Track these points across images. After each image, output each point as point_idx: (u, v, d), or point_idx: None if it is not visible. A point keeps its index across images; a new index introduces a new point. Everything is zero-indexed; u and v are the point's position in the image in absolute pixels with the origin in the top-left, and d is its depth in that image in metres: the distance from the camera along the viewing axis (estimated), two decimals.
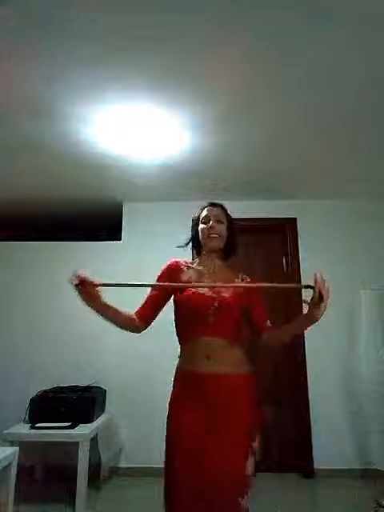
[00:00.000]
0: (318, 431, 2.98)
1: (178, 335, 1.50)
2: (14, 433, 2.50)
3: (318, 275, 1.21)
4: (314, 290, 1.21)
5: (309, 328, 1.32)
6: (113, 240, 3.42)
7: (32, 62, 1.72)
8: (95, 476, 2.77)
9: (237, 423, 1.31)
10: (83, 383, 2.96)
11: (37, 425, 2.57)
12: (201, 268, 1.52)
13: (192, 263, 1.57)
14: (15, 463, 2.00)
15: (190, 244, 1.64)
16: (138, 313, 1.48)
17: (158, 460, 2.90)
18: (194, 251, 1.66)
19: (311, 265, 3.26)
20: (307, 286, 1.25)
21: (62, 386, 2.94)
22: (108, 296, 1.36)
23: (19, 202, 3.44)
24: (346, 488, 2.69)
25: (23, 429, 2.55)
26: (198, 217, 1.59)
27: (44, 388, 2.88)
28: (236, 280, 1.51)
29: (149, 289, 1.52)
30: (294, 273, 3.27)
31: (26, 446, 2.39)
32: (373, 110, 2.10)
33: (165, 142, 2.42)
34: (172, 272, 1.51)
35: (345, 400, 3.03)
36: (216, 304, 1.39)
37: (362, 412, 2.98)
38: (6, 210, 3.57)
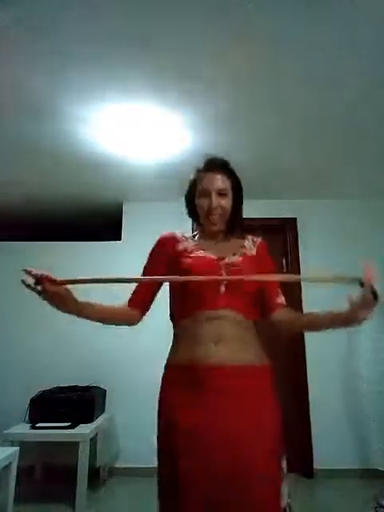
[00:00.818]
0: (318, 431, 2.98)
1: (173, 314, 1.20)
2: (14, 433, 2.49)
3: (370, 267, 0.91)
4: (363, 286, 0.93)
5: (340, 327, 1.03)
6: (113, 240, 3.42)
7: (32, 62, 1.72)
8: (95, 476, 2.77)
9: (264, 433, 0.99)
10: (83, 383, 2.96)
11: (37, 425, 2.56)
12: (201, 241, 1.25)
13: (193, 235, 1.30)
14: (15, 463, 2.00)
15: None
16: (132, 301, 1.19)
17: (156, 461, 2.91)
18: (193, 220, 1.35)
19: (311, 265, 3.26)
20: (355, 280, 0.96)
21: (61, 386, 2.93)
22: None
23: (19, 202, 3.44)
24: (346, 488, 2.69)
25: (23, 429, 2.55)
26: (195, 183, 1.26)
27: (44, 388, 2.88)
28: (246, 242, 1.25)
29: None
30: (294, 273, 3.27)
31: (25, 446, 2.38)
32: (373, 110, 2.10)
33: (165, 141, 2.42)
34: (165, 245, 1.24)
35: (345, 400, 3.03)
36: (223, 272, 1.11)
37: (362, 412, 2.98)
38: (6, 209, 3.57)
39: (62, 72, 1.78)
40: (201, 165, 1.29)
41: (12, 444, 2.31)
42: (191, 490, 0.93)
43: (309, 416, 3.00)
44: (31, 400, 2.69)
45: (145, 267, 1.25)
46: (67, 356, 3.15)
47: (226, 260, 1.15)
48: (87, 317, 1.10)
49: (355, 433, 2.98)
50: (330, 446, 2.95)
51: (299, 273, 3.26)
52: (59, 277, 1.00)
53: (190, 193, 1.29)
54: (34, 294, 0.98)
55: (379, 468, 2.85)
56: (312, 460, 2.93)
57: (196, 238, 1.28)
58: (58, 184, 3.08)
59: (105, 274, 1.04)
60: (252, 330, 1.13)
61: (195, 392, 1.01)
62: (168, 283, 1.22)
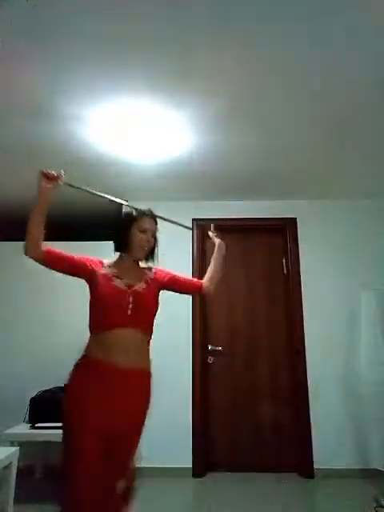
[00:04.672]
0: (318, 431, 2.97)
1: (93, 324, 1.56)
2: (14, 433, 2.50)
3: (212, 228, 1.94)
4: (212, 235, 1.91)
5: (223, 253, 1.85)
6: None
7: (32, 62, 1.72)
8: None
9: (142, 415, 1.50)
10: None
11: (37, 425, 2.57)
12: (116, 269, 1.59)
13: (110, 264, 1.63)
14: (15, 463, 2.00)
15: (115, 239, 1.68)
16: (51, 250, 1.49)
17: (157, 460, 2.91)
18: (115, 247, 1.68)
19: (311, 265, 3.26)
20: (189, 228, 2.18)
21: (61, 386, 2.93)
22: None
23: (19, 203, 3.44)
24: (346, 488, 2.69)
25: (23, 429, 2.55)
26: (134, 219, 1.61)
27: (44, 388, 2.88)
28: (147, 272, 1.65)
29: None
30: (294, 273, 3.27)
31: (25, 446, 2.39)
32: (373, 111, 2.10)
33: (165, 141, 2.42)
34: (96, 262, 1.62)
35: (345, 400, 3.03)
36: (130, 298, 1.51)
37: (362, 412, 2.98)
38: (6, 210, 3.57)
39: (62, 72, 1.78)
40: (137, 209, 1.64)
41: (12, 444, 2.32)
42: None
43: (309, 416, 3.00)
44: (31, 400, 2.70)
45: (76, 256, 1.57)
46: (68, 356, 3.14)
47: (135, 287, 1.54)
48: (33, 218, 1.49)
49: (355, 433, 2.98)
50: (330, 446, 2.95)
51: (299, 273, 3.26)
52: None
53: (125, 226, 1.61)
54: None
55: (379, 468, 2.85)
56: (312, 460, 2.93)
57: (114, 266, 1.62)
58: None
59: None
60: (148, 343, 1.57)
61: (111, 381, 1.45)
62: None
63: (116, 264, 1.63)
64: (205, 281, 1.76)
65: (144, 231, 1.60)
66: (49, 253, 1.47)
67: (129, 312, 1.49)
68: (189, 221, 3.41)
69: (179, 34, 1.57)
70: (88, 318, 1.58)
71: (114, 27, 1.53)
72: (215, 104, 2.04)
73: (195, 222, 3.37)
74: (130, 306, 1.49)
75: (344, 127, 2.26)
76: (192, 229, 1.94)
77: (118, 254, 1.66)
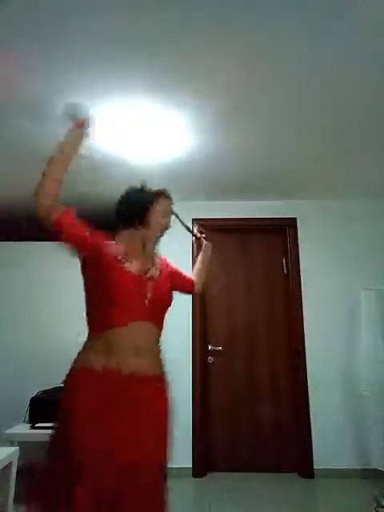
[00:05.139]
0: (318, 431, 2.97)
1: (94, 319, 1.29)
2: (14, 433, 2.50)
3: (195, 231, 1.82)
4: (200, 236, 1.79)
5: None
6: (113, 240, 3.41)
7: (32, 62, 1.72)
8: None
9: (161, 440, 1.20)
10: None
11: (37, 425, 2.57)
12: (124, 249, 1.33)
13: (115, 242, 1.37)
14: (15, 463, 2.00)
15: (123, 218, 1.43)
16: (65, 213, 1.23)
17: None
18: (122, 225, 1.43)
19: (311, 265, 3.26)
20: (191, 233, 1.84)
21: (61, 386, 2.93)
22: None
23: (20, 204, 3.44)
24: (346, 488, 2.69)
25: (23, 429, 2.55)
26: (153, 202, 1.38)
27: (44, 388, 2.87)
28: (156, 257, 1.44)
29: None
30: (294, 273, 3.27)
31: (25, 446, 2.38)
32: (373, 110, 2.10)
33: (165, 142, 2.42)
34: (98, 237, 1.36)
35: (345, 400, 3.03)
36: (147, 286, 1.28)
37: (362, 412, 2.98)
38: (6, 210, 3.57)
39: (62, 72, 1.78)
40: (158, 191, 1.44)
41: (12, 444, 2.32)
42: None
43: (309, 416, 3.00)
44: (31, 400, 2.69)
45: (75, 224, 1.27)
46: (68, 355, 3.14)
47: (149, 274, 1.32)
48: (57, 162, 1.38)
49: (355, 433, 2.98)
50: (329, 446, 2.95)
51: (299, 273, 3.26)
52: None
53: (142, 206, 1.38)
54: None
55: (379, 468, 2.85)
56: (312, 460, 2.93)
57: (120, 244, 1.35)
58: None
59: None
60: (159, 341, 1.37)
61: (117, 396, 1.24)
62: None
63: (123, 243, 1.34)
64: (194, 280, 1.67)
65: (166, 212, 1.41)
66: (57, 220, 1.19)
67: (146, 302, 1.25)
68: (189, 221, 3.41)
69: (179, 34, 1.57)
70: (86, 313, 1.30)
71: (114, 27, 1.53)
72: (215, 104, 2.04)
73: (195, 222, 3.38)
74: (148, 295, 1.26)
75: (344, 127, 2.26)
76: (192, 232, 1.81)
77: (123, 230, 1.40)
